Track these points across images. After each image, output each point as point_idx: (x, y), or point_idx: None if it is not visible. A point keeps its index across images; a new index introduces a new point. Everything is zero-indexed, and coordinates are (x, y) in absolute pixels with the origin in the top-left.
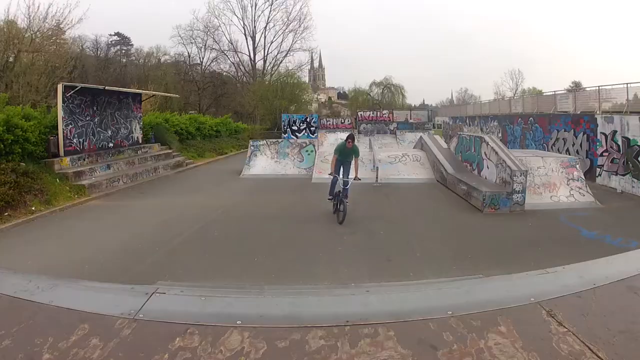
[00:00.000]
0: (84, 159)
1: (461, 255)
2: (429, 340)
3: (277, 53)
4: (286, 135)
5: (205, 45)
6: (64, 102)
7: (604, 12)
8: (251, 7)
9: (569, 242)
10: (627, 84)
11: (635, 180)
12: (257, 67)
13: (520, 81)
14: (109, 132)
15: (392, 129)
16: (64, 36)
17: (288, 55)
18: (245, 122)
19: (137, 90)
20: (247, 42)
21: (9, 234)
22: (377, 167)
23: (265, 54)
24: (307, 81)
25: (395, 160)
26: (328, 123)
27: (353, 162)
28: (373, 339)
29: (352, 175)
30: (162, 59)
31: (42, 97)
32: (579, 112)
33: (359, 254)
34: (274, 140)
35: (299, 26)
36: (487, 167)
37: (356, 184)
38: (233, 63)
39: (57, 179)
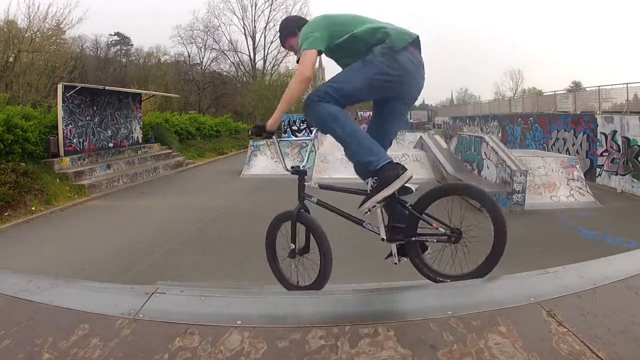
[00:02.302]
0: (84, 159)
1: None
2: (429, 340)
3: (277, 53)
4: (286, 135)
5: (205, 45)
6: (64, 102)
7: (604, 12)
8: (251, 7)
9: (569, 242)
10: (627, 84)
11: (635, 180)
12: (257, 67)
13: (520, 81)
14: (109, 132)
15: None
16: (64, 36)
17: (288, 55)
18: (245, 122)
19: (137, 90)
20: (247, 42)
21: (9, 234)
22: None
23: (265, 54)
24: None
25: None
26: None
27: None
28: (373, 339)
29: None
30: (162, 59)
31: (42, 97)
32: (579, 112)
33: (359, 254)
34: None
35: None
36: (487, 167)
37: (356, 185)
38: (233, 63)
39: (57, 179)
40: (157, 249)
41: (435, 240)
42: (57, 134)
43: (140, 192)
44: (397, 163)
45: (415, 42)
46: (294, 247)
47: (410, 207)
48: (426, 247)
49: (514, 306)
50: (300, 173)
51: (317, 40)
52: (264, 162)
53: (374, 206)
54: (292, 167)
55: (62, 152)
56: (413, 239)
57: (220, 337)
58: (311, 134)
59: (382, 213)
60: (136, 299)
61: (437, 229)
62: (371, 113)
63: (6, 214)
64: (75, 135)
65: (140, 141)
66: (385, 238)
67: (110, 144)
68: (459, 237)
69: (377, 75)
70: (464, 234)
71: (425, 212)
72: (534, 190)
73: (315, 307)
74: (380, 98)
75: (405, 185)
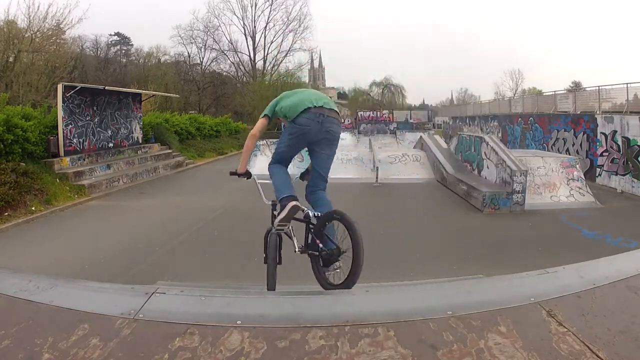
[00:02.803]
0: (84, 159)
1: (461, 255)
2: (429, 340)
3: (277, 53)
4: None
5: (205, 45)
6: (64, 102)
7: (604, 12)
8: (251, 7)
9: (569, 242)
10: (627, 84)
11: (635, 180)
12: (257, 67)
13: (520, 81)
14: (109, 132)
15: (392, 129)
16: (64, 36)
17: (288, 55)
18: (245, 122)
19: (137, 90)
20: (247, 42)
21: (9, 234)
22: (377, 167)
23: (265, 54)
24: (307, 81)
25: (395, 160)
26: None
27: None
28: (373, 339)
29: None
30: (162, 59)
31: (42, 97)
32: (579, 112)
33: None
34: (274, 140)
35: (299, 26)
36: (487, 167)
37: (356, 184)
38: (233, 63)
39: (57, 179)
40: (157, 249)
41: (317, 253)
42: (57, 134)
43: (140, 192)
44: (291, 197)
45: (315, 106)
46: (265, 255)
47: (311, 229)
48: (327, 263)
49: (514, 306)
50: (274, 205)
51: (267, 111)
52: (264, 163)
53: (278, 225)
54: (272, 201)
55: (62, 152)
56: (309, 251)
57: (220, 337)
58: None
59: (292, 232)
60: (136, 299)
61: (319, 245)
62: (371, 113)
63: (6, 214)
64: (75, 135)
65: (140, 141)
66: (295, 250)
67: (110, 144)
68: (338, 253)
69: (289, 136)
70: (343, 251)
71: (324, 231)
72: (534, 190)
73: (315, 307)
74: (305, 147)
75: (302, 212)
